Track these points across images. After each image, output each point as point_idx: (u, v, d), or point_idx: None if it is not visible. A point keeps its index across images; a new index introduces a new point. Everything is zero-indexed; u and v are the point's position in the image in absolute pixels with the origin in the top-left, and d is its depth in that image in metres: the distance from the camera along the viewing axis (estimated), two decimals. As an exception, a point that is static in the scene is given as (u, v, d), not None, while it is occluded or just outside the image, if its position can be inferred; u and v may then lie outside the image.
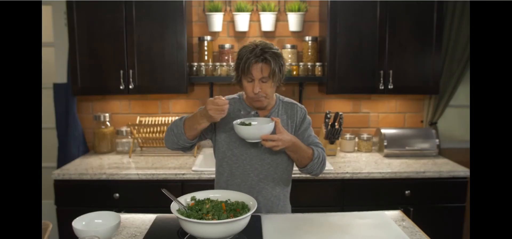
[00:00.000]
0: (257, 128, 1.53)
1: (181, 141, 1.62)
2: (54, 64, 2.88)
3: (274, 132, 1.55)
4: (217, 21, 2.83)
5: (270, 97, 1.68)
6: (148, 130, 2.86)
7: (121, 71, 2.64)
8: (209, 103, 1.48)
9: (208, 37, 2.84)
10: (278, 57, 1.60)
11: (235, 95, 1.79)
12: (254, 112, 1.71)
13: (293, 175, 1.83)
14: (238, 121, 1.60)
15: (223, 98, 1.49)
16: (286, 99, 1.80)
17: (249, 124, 1.58)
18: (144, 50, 2.63)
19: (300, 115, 1.76)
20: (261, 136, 1.51)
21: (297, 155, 1.64)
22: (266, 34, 2.94)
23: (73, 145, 2.85)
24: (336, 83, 2.70)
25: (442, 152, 3.04)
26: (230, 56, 2.83)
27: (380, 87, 2.69)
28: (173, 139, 1.63)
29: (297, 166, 1.72)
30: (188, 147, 1.68)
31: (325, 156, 1.71)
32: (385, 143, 2.79)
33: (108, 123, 2.93)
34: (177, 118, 1.68)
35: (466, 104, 3.15)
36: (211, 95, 2.94)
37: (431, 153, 2.80)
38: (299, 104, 1.79)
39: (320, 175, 2.37)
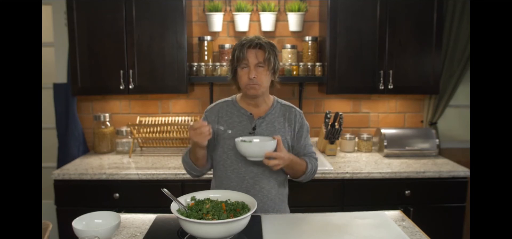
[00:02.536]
0: (260, 145, 1.51)
1: (198, 172, 1.73)
2: (54, 64, 2.89)
3: (275, 150, 1.56)
4: (217, 21, 2.83)
5: (265, 87, 1.68)
6: (148, 130, 2.86)
7: (121, 71, 2.64)
8: (189, 131, 1.53)
9: (208, 37, 2.84)
10: (272, 46, 1.65)
11: (228, 98, 1.79)
12: (249, 114, 1.71)
13: (297, 179, 1.83)
14: (239, 138, 1.59)
15: (200, 121, 1.53)
16: (283, 101, 1.80)
17: (250, 142, 1.57)
18: (144, 50, 2.63)
19: (299, 119, 1.76)
20: (265, 153, 1.51)
21: (293, 170, 1.70)
22: (266, 34, 2.94)
23: (73, 145, 2.85)
24: (336, 83, 2.70)
25: (442, 152, 3.04)
26: (230, 56, 2.82)
27: (380, 87, 2.69)
28: (192, 173, 1.74)
29: (290, 176, 1.78)
30: (209, 170, 1.77)
31: (317, 166, 1.79)
32: (385, 143, 2.79)
33: (108, 123, 2.93)
34: (186, 152, 1.74)
35: (466, 104, 3.15)
36: (211, 95, 2.94)
37: (431, 153, 2.80)
38: (296, 108, 1.79)
39: (320, 175, 2.39)
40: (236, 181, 1.69)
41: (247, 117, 1.71)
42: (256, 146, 1.51)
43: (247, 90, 1.66)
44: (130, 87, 2.64)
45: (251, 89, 1.64)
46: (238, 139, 1.57)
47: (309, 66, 2.78)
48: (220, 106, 1.76)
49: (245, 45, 1.62)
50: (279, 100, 1.79)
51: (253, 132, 1.69)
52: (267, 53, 1.61)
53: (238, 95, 1.78)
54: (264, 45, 1.62)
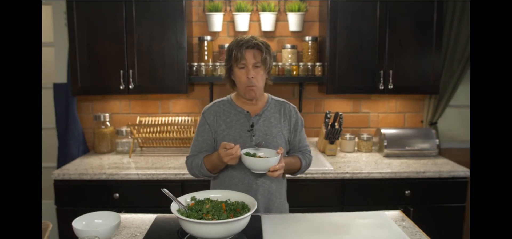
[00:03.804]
0: (265, 161, 1.57)
1: (212, 177, 1.78)
2: (54, 64, 2.89)
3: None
4: (217, 21, 2.83)
5: (261, 88, 1.72)
6: (148, 130, 2.86)
7: (121, 71, 2.64)
8: (224, 156, 1.55)
9: (208, 37, 2.84)
10: (267, 47, 1.69)
11: (223, 98, 1.82)
12: (246, 112, 1.73)
13: (293, 176, 1.84)
14: (244, 151, 1.62)
15: (232, 145, 1.55)
16: (277, 97, 1.84)
17: (254, 155, 1.63)
18: (144, 50, 2.63)
19: (294, 114, 1.81)
20: (270, 168, 1.57)
21: (288, 172, 1.79)
22: (266, 34, 2.94)
23: (73, 145, 2.85)
24: (336, 83, 2.70)
25: (442, 152, 3.04)
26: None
27: (380, 87, 2.69)
28: (204, 177, 1.78)
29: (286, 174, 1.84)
30: None
31: (311, 158, 1.86)
32: (385, 143, 2.79)
33: (108, 123, 2.93)
34: (198, 162, 1.71)
35: (466, 104, 3.15)
36: (211, 95, 2.94)
37: (431, 153, 2.80)
38: (290, 103, 1.83)
39: (320, 175, 2.39)
40: (238, 178, 1.72)
41: (244, 115, 1.73)
42: (262, 162, 1.57)
43: (245, 93, 1.69)
44: (130, 87, 2.64)
45: (250, 92, 1.68)
46: (243, 151, 1.61)
47: (309, 66, 2.78)
48: (217, 105, 1.78)
49: (244, 45, 1.65)
50: (273, 96, 1.83)
51: (251, 129, 1.70)
52: (264, 53, 1.65)
53: (233, 94, 1.81)
54: (261, 46, 1.66)
